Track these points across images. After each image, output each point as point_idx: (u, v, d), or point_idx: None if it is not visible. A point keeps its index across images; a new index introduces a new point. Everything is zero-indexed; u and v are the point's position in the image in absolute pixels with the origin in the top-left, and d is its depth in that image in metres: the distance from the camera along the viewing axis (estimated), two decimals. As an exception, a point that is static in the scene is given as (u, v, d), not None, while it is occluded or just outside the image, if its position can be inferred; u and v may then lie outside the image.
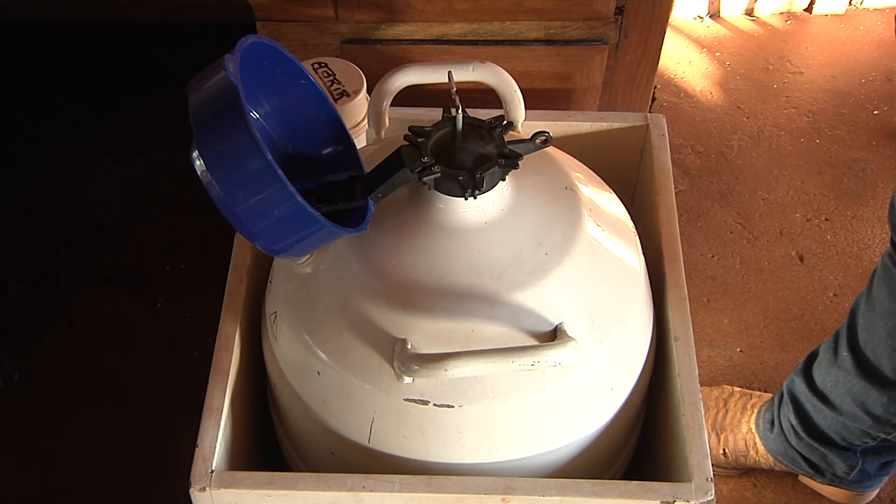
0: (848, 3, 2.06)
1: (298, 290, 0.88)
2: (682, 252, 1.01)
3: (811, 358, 1.20)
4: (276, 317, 0.91)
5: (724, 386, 1.40)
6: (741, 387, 1.41)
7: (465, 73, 0.90)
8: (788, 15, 2.06)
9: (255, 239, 0.73)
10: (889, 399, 1.10)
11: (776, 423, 1.26)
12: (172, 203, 1.62)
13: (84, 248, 1.60)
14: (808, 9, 2.06)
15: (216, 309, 0.96)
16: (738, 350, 1.50)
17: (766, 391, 1.41)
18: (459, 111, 0.82)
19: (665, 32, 1.31)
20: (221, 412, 0.89)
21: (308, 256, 0.85)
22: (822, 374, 1.16)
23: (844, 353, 1.11)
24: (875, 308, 1.05)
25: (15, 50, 1.87)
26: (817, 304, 1.56)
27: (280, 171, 0.67)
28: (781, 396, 1.25)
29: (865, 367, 1.08)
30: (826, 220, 1.68)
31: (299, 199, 0.69)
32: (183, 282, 1.55)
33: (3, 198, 1.65)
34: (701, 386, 0.91)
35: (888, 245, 1.02)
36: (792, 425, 1.22)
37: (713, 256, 1.63)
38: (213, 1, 1.57)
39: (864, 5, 2.07)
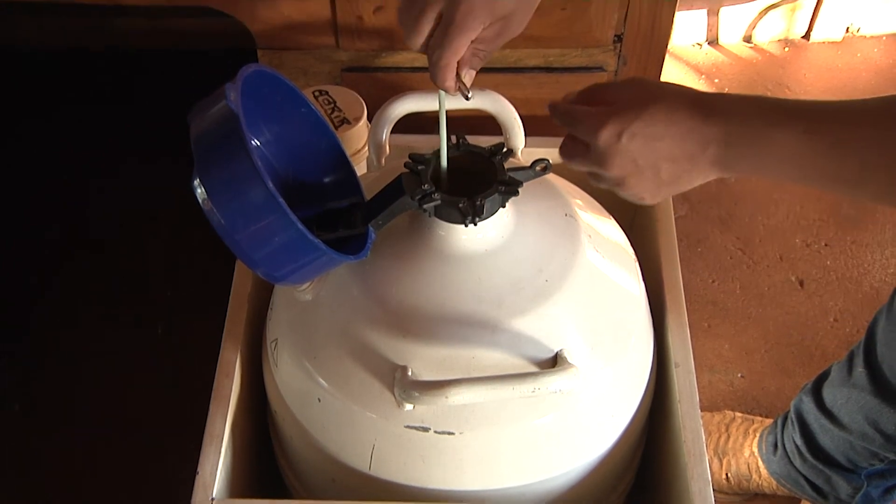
0: (845, 31, 2.07)
1: (299, 317, 0.88)
2: (682, 277, 1.01)
3: (822, 377, 1.20)
4: (276, 343, 0.91)
5: (726, 411, 1.39)
6: (743, 412, 1.41)
7: (465, 102, 0.90)
8: (786, 42, 2.07)
9: (255, 266, 0.73)
10: None
11: (780, 445, 1.25)
12: (173, 229, 1.62)
13: (84, 274, 1.60)
14: (806, 36, 2.07)
15: (217, 335, 0.96)
16: (740, 375, 1.50)
17: (767, 416, 1.40)
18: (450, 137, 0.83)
19: (664, 59, 1.32)
20: (222, 439, 0.89)
21: (309, 283, 0.85)
22: (834, 392, 1.15)
23: (860, 369, 1.10)
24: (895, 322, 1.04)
25: (17, 78, 1.88)
26: (818, 330, 1.56)
27: (281, 199, 0.68)
28: (785, 418, 1.25)
29: (881, 384, 1.08)
30: (826, 245, 1.68)
31: (300, 226, 0.69)
32: (183, 308, 1.55)
33: (3, 223, 1.66)
34: (702, 411, 0.90)
35: None
36: (797, 446, 1.22)
37: (713, 281, 1.62)
38: (215, 29, 1.58)
39: (860, 33, 2.08)
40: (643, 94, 0.71)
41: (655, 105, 0.70)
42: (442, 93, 0.79)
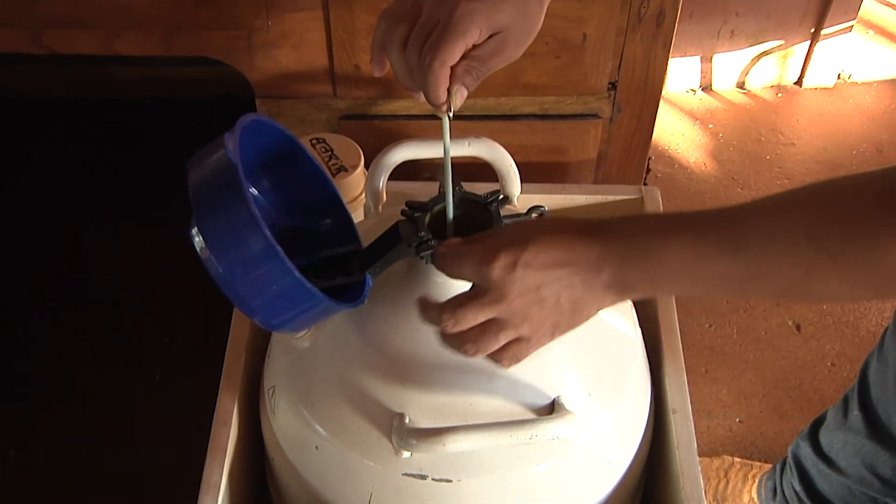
0: (837, 77, 2.09)
1: (296, 364, 0.88)
2: (680, 322, 1.01)
3: (818, 422, 1.19)
4: (274, 391, 0.91)
5: (725, 456, 1.39)
6: (741, 457, 1.40)
7: (462, 149, 0.91)
8: (779, 88, 2.09)
9: (253, 314, 0.74)
10: None
11: (779, 491, 1.25)
12: (170, 276, 1.62)
13: (81, 321, 1.60)
14: (798, 82, 2.09)
15: (214, 383, 0.96)
16: (738, 420, 1.50)
17: (766, 462, 1.40)
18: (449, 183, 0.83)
19: (658, 106, 1.33)
20: (219, 488, 0.89)
21: (306, 331, 0.85)
22: (830, 436, 1.15)
23: (855, 412, 1.10)
24: (888, 363, 1.05)
25: (14, 128, 1.89)
26: (815, 374, 1.56)
27: (279, 248, 0.68)
28: (784, 464, 1.24)
29: (877, 427, 1.07)
30: (822, 289, 1.68)
31: (297, 274, 0.69)
32: (181, 355, 1.55)
33: (2, 270, 1.66)
34: (701, 456, 0.90)
35: None
36: (795, 492, 1.21)
37: (710, 326, 1.63)
38: (213, 77, 1.60)
39: (852, 79, 2.11)
40: (526, 228, 0.70)
41: (542, 235, 0.69)
42: (446, 139, 0.78)
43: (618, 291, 0.69)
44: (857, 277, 0.61)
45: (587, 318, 0.72)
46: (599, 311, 0.75)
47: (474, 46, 0.75)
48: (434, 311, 0.72)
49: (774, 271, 0.63)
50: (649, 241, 0.67)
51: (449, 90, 0.74)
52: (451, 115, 0.76)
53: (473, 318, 0.70)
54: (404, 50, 0.75)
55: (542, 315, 0.70)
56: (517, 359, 0.73)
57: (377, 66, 0.80)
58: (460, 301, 0.71)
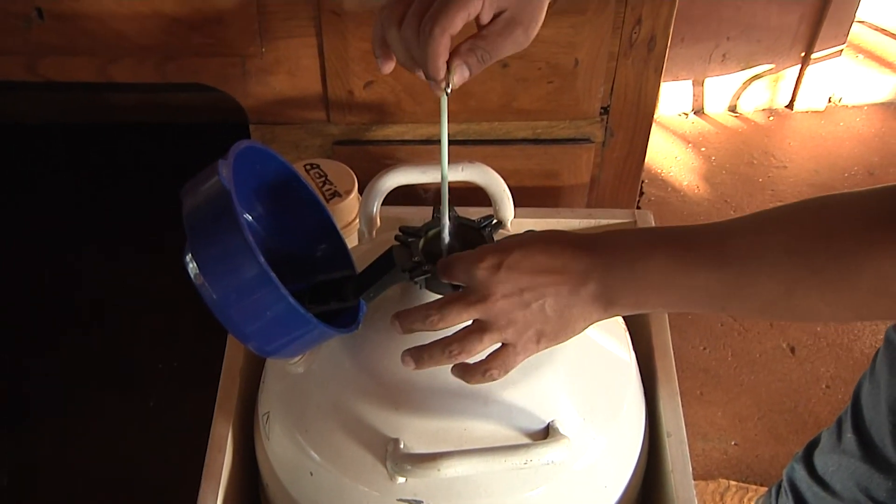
0: (828, 101, 2.11)
1: (291, 390, 0.88)
2: (674, 345, 1.01)
3: (812, 444, 1.19)
4: (268, 417, 0.91)
5: (720, 480, 1.39)
6: (737, 480, 1.40)
7: (455, 174, 0.91)
8: (770, 111, 2.11)
9: (247, 340, 0.74)
10: (894, 485, 1.08)
11: (774, 514, 1.24)
12: (164, 302, 1.62)
13: (75, 346, 1.59)
14: (790, 105, 2.11)
15: (209, 408, 0.96)
16: (733, 443, 1.49)
17: (762, 485, 1.39)
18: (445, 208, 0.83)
19: (650, 130, 1.34)
20: (213, 515, 0.88)
21: (300, 356, 0.85)
22: (825, 459, 1.15)
23: (849, 434, 1.10)
24: (879, 385, 1.05)
25: (9, 153, 1.89)
26: (810, 396, 1.56)
27: (272, 274, 0.68)
28: (779, 487, 1.24)
29: (870, 450, 1.07)
30: (815, 311, 1.68)
31: (291, 300, 0.69)
32: (175, 380, 1.54)
33: (-2, 297, 1.66)
34: (696, 480, 0.90)
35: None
36: (791, 515, 1.21)
37: (705, 349, 1.63)
38: (207, 103, 1.60)
39: (843, 103, 2.12)
40: (520, 237, 0.71)
41: (532, 242, 0.70)
42: (444, 120, 0.76)
43: (603, 304, 0.69)
44: (839, 295, 0.61)
45: (573, 333, 0.71)
46: (591, 333, 0.75)
47: (480, 27, 0.74)
48: (419, 312, 0.72)
49: (757, 287, 0.64)
50: (635, 253, 0.67)
51: (449, 66, 0.72)
52: (448, 91, 0.73)
53: (458, 315, 0.71)
54: (401, 27, 0.73)
55: (525, 320, 0.70)
56: (505, 367, 0.72)
57: (383, 61, 0.77)
58: (446, 299, 0.72)
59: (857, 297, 0.61)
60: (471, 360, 0.73)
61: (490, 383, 0.80)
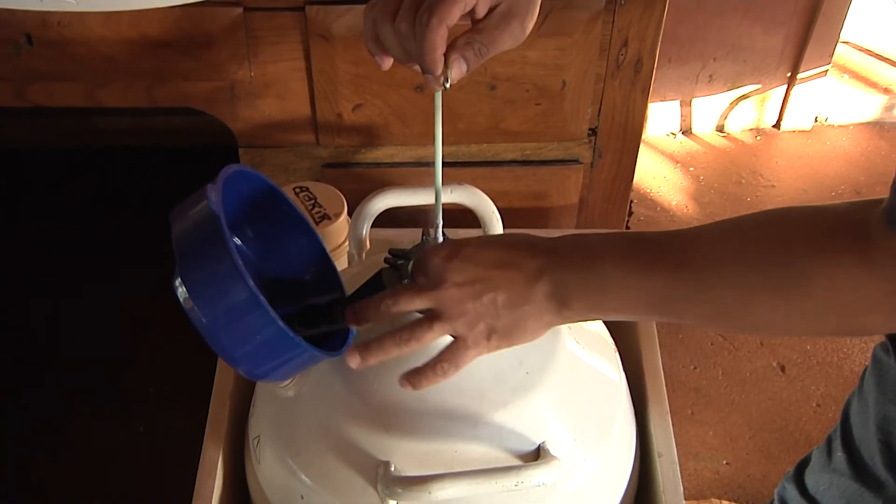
0: (814, 120, 2.12)
1: (281, 414, 0.88)
2: (664, 364, 1.02)
3: (803, 463, 1.19)
4: (258, 440, 0.90)
5: (712, 499, 1.39)
6: (729, 500, 1.40)
7: (444, 196, 0.91)
8: (758, 131, 2.12)
9: (236, 364, 0.73)
10: (884, 503, 1.08)
11: (766, 534, 1.24)
12: (154, 325, 1.62)
13: (65, 371, 1.59)
14: (777, 125, 2.12)
15: (198, 433, 0.96)
16: (725, 462, 1.49)
17: (753, 504, 1.39)
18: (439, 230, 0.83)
19: (638, 151, 1.34)
20: (203, 540, 0.88)
21: (290, 380, 0.85)
22: (815, 478, 1.15)
23: (839, 453, 1.10)
24: (868, 404, 1.05)
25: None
26: (801, 415, 1.56)
27: (262, 298, 0.68)
28: (771, 507, 1.24)
29: (860, 468, 1.07)
30: (805, 330, 1.69)
31: (281, 324, 0.69)
32: (165, 404, 1.54)
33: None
34: (688, 500, 0.90)
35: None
36: (783, 534, 1.21)
37: (695, 368, 1.63)
38: (197, 126, 1.61)
39: (829, 122, 2.14)
40: (480, 236, 0.72)
41: (492, 237, 0.72)
42: (438, 117, 0.76)
43: (557, 304, 0.68)
44: (791, 305, 0.61)
45: (525, 333, 0.70)
46: (580, 354, 0.74)
47: (476, 22, 0.73)
48: (373, 300, 0.72)
49: (713, 292, 0.63)
50: (592, 254, 0.67)
51: (447, 59, 0.70)
52: (446, 86, 0.71)
53: (409, 301, 0.70)
54: (394, 21, 0.71)
55: (476, 311, 0.69)
56: (455, 361, 0.71)
57: (381, 58, 0.75)
58: (399, 286, 0.72)
59: (809, 308, 0.61)
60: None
61: (479, 405, 0.80)
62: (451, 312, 0.69)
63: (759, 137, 2.10)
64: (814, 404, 1.58)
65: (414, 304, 0.70)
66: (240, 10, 1.17)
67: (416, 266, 0.74)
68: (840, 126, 2.14)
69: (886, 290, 0.58)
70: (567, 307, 0.68)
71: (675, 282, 0.64)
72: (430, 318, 0.70)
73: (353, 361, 0.73)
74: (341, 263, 1.05)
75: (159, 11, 1.14)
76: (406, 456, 0.80)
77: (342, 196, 1.16)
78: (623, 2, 1.19)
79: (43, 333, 1.65)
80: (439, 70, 0.71)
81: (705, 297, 0.64)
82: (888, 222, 0.57)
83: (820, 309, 0.61)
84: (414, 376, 0.73)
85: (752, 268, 0.62)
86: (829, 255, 0.59)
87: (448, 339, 0.72)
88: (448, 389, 0.82)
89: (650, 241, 0.67)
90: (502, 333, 0.70)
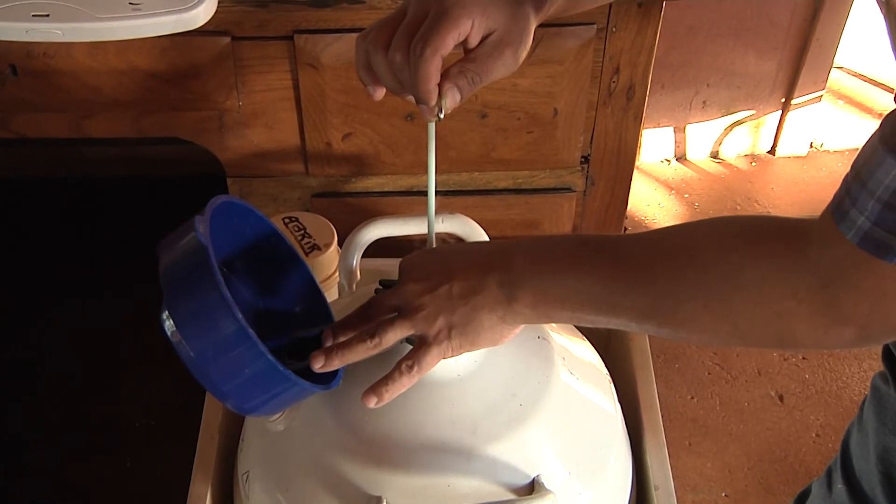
0: (809, 146, 2.13)
1: (271, 448, 0.88)
2: (661, 394, 1.02)
3: (803, 495, 1.19)
4: (248, 476, 0.90)
5: (711, 533, 1.38)
6: (728, 533, 1.40)
7: (436, 225, 0.92)
8: (752, 157, 2.13)
9: (225, 398, 0.73)
10: None
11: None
12: (141, 359, 1.61)
13: (50, 405, 1.58)
14: (772, 151, 2.13)
15: (187, 468, 0.95)
16: (724, 495, 1.49)
17: (753, 538, 1.39)
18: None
19: (631, 178, 1.35)
20: (191, 579, 0.87)
21: (280, 414, 0.85)
22: None
23: (839, 485, 1.09)
24: (868, 434, 1.05)
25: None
26: (801, 445, 1.56)
27: (251, 331, 0.68)
28: (770, 541, 1.24)
29: (861, 500, 1.07)
30: (803, 358, 1.69)
31: (270, 357, 0.69)
32: (153, 439, 1.53)
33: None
34: (686, 534, 0.90)
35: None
36: (782, 569, 1.20)
37: (692, 398, 1.63)
38: (185, 157, 1.61)
39: (824, 147, 2.15)
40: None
41: (455, 245, 0.77)
42: (431, 148, 0.77)
43: (507, 296, 0.70)
44: (721, 303, 0.62)
45: (481, 327, 0.72)
46: (574, 385, 0.74)
47: (468, 51, 0.74)
48: (353, 313, 0.76)
49: (645, 287, 0.65)
50: (544, 249, 0.71)
51: (440, 89, 0.71)
52: (441, 116, 0.73)
53: (379, 305, 0.75)
54: (387, 51, 0.72)
55: (435, 305, 0.71)
56: (419, 361, 0.73)
57: (373, 88, 0.77)
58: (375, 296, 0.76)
59: (738, 306, 0.62)
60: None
61: (472, 438, 0.80)
62: (410, 307, 0.73)
63: (754, 163, 2.11)
64: (813, 434, 1.58)
65: (383, 308, 0.74)
66: (228, 39, 1.18)
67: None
68: (836, 151, 2.15)
69: (812, 284, 0.59)
70: (516, 299, 0.70)
71: (613, 277, 0.67)
72: (393, 318, 0.73)
73: (318, 363, 0.75)
74: (331, 295, 1.05)
75: (146, 41, 1.15)
76: (399, 491, 0.80)
77: (332, 226, 1.16)
78: (614, 29, 1.20)
79: (24, 365, 1.64)
80: (434, 101, 0.72)
81: (639, 291, 0.66)
82: (833, 211, 0.59)
83: (748, 307, 0.61)
84: (376, 387, 0.74)
85: (687, 263, 0.64)
86: (762, 250, 0.61)
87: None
88: (441, 422, 0.82)
89: (600, 240, 0.71)
90: (460, 329, 0.72)
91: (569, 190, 1.34)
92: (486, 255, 0.73)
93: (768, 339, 0.64)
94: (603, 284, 0.67)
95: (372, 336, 0.73)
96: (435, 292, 0.71)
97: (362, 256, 0.95)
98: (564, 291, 0.69)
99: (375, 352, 0.74)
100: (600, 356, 0.98)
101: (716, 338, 0.66)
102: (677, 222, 1.96)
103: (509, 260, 0.71)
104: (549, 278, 0.69)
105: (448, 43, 0.70)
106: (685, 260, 0.64)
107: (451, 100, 0.72)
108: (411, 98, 0.74)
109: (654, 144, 2.09)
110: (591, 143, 1.30)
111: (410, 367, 0.73)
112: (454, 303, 0.71)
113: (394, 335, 0.73)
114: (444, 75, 0.72)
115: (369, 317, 0.75)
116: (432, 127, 0.75)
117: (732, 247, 0.62)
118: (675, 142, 2.10)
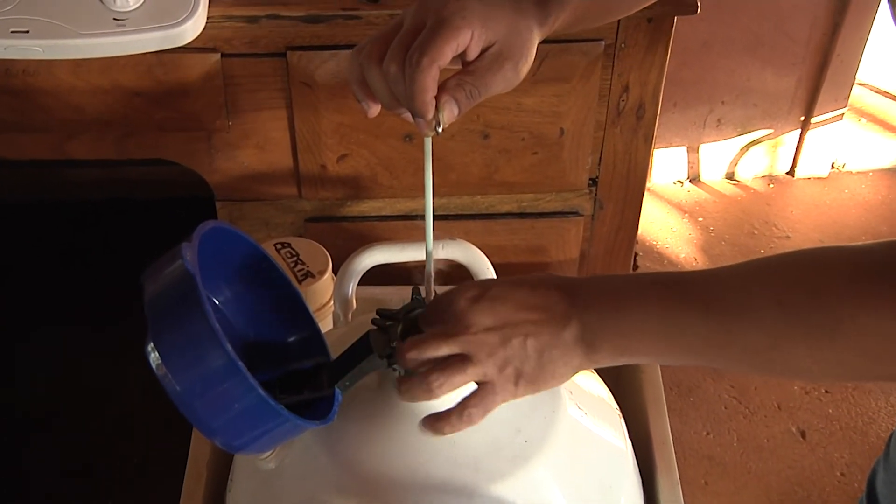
0: (831, 167, 2.14)
1: (262, 488, 0.88)
2: (674, 430, 1.01)
3: None
4: (237, 517, 0.90)
5: (729, 578, 1.37)
6: (747, 578, 1.39)
7: (435, 251, 0.92)
8: (770, 178, 2.13)
9: (213, 435, 0.73)
10: None
11: None
12: (124, 392, 1.61)
13: (29, 445, 1.58)
14: (791, 172, 2.14)
15: (172, 510, 0.95)
16: (742, 537, 1.49)
17: (774, 583, 1.39)
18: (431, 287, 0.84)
19: (642, 201, 1.35)
20: None
21: (271, 451, 0.85)
22: None
23: None
24: (894, 471, 1.04)
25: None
26: (824, 485, 1.56)
27: (240, 363, 0.68)
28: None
29: None
30: (826, 392, 1.69)
31: (261, 391, 0.69)
32: (136, 478, 1.53)
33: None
34: (701, 580, 0.89)
35: None
36: None
37: (708, 434, 1.63)
38: (172, 179, 1.62)
39: (846, 168, 2.16)
40: (506, 278, 0.74)
41: (518, 279, 0.72)
42: (428, 164, 0.76)
43: (585, 348, 0.70)
44: (822, 351, 0.63)
45: (552, 378, 0.71)
46: (583, 420, 0.74)
47: (467, 64, 0.74)
48: (402, 349, 0.73)
49: (741, 336, 0.65)
50: (620, 297, 0.69)
51: (437, 103, 0.71)
52: (439, 130, 0.72)
53: (436, 347, 0.71)
54: (381, 64, 0.72)
55: (505, 355, 0.70)
56: (484, 407, 0.72)
57: (368, 104, 0.77)
58: (424, 334, 0.73)
59: (844, 354, 0.62)
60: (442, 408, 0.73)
61: (475, 476, 0.80)
62: (480, 356, 0.71)
63: (772, 185, 2.12)
64: (837, 473, 1.57)
65: (441, 350, 0.71)
66: (217, 56, 1.19)
67: (435, 306, 0.75)
68: (858, 172, 2.16)
69: None
70: (596, 350, 0.70)
71: (703, 327, 0.66)
72: (462, 361, 0.71)
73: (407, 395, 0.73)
74: (326, 325, 1.05)
75: (132, 58, 1.16)
76: (396, 533, 0.80)
77: (326, 252, 1.17)
78: (623, 45, 1.21)
79: (5, 396, 1.64)
80: (430, 113, 0.72)
81: (734, 341, 0.66)
82: None
83: (849, 354, 0.62)
84: (438, 421, 0.73)
85: (782, 313, 0.64)
86: (856, 298, 0.61)
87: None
88: (441, 459, 0.82)
89: (679, 282, 0.69)
90: (529, 378, 0.71)
91: (576, 214, 1.34)
92: (561, 306, 0.70)
93: (878, 378, 0.65)
94: (689, 338, 0.67)
95: (441, 384, 0.71)
96: (508, 344, 0.70)
97: (358, 284, 0.96)
98: (647, 345, 0.69)
99: (439, 396, 0.72)
100: (609, 389, 0.98)
101: (825, 378, 0.67)
102: (691, 247, 1.96)
103: (585, 312, 0.70)
104: (629, 335, 0.69)
105: (446, 53, 0.71)
106: (778, 311, 0.64)
107: (449, 113, 0.72)
108: (408, 116, 0.74)
109: (667, 165, 2.10)
110: (599, 164, 1.31)
111: (474, 415, 0.72)
112: (527, 355, 0.70)
113: (463, 381, 0.72)
114: (441, 88, 0.72)
115: (419, 354, 0.72)
116: (429, 142, 0.75)
117: (828, 300, 0.62)
118: (689, 162, 2.11)
